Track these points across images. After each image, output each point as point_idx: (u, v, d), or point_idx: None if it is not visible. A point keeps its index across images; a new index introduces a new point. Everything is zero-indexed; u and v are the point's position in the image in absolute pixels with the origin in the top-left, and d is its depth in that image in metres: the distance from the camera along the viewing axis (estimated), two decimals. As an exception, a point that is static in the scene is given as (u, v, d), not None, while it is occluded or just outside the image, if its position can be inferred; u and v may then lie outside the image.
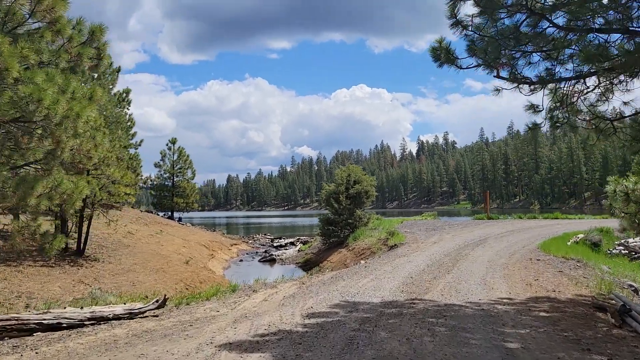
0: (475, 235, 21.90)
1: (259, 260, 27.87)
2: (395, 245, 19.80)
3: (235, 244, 33.43)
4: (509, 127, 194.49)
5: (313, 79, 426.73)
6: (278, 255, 28.22)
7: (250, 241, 37.33)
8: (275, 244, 34.92)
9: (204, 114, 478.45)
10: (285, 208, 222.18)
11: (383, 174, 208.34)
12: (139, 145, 32.28)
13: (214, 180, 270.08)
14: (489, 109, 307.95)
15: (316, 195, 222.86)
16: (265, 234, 44.27)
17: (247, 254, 31.32)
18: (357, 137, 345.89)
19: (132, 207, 35.40)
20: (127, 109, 27.22)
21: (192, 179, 42.42)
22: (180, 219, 41.38)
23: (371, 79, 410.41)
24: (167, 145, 41.91)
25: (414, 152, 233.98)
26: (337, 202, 24.19)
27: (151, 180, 41.86)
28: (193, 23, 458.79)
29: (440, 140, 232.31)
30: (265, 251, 31.74)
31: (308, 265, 24.21)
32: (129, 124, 29.58)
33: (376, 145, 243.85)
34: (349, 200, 24.29)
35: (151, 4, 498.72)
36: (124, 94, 26.07)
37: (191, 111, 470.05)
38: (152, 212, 38.25)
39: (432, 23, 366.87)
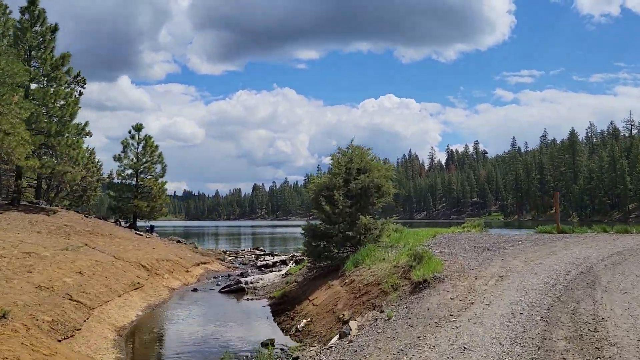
0: (564, 260, 12.43)
1: (221, 291, 18.42)
2: (425, 281, 10.29)
3: (204, 263, 24.10)
4: (542, 136, 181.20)
5: (341, 89, 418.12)
6: (251, 283, 18.73)
7: (230, 258, 28.06)
8: (259, 263, 25.47)
9: (233, 124, 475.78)
10: (311, 217, 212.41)
11: (411, 183, 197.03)
12: (84, 130, 23.41)
13: (239, 189, 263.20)
14: (520, 119, 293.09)
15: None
16: (256, 248, 34.93)
17: (214, 277, 22.07)
18: (386, 147, 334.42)
19: (83, 214, 26.45)
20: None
21: (162, 177, 32.95)
22: (151, 228, 32.24)
23: (399, 89, 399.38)
24: (129, 132, 32.54)
25: (443, 161, 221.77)
26: (331, 204, 14.53)
27: (111, 178, 32.98)
28: (222, 34, 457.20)
29: (471, 150, 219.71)
30: (241, 273, 22.30)
31: (284, 302, 14.90)
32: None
33: (404, 155, 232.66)
34: (349, 201, 14.60)
35: (181, 16, 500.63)
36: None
37: (220, 121, 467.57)
38: (103, 219, 29.08)
39: (461, 32, 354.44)
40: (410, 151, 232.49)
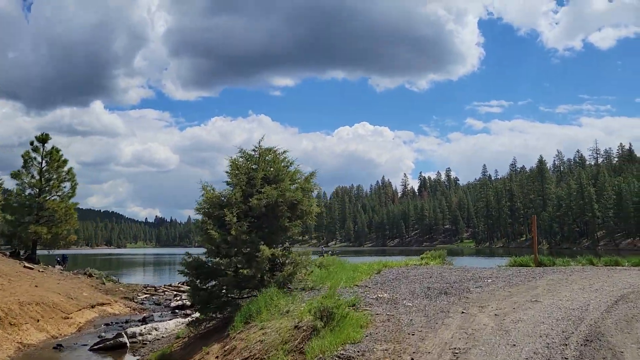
0: (554, 313, 8.61)
1: (92, 348, 13.41)
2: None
3: (102, 304, 19.19)
4: (512, 164, 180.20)
5: (316, 116, 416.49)
6: (140, 335, 13.83)
7: (145, 295, 23.06)
8: (174, 304, 20.57)
9: (208, 150, 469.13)
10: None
11: (384, 210, 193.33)
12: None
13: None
14: (490, 148, 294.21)
15: (315, 231, 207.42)
16: (184, 283, 29.81)
17: (106, 324, 17.14)
18: (360, 174, 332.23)
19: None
20: None
21: (71, 198, 27.68)
22: (63, 259, 26.88)
23: (373, 117, 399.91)
24: (31, 144, 26.73)
25: (416, 188, 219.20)
26: (222, 228, 9.87)
27: (6, 199, 27.26)
28: (198, 60, 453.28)
29: (443, 177, 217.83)
30: (143, 319, 17.31)
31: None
32: None
33: (377, 181, 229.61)
34: (246, 224, 9.98)
35: (157, 42, 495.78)
36: None
37: (195, 147, 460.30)
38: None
39: (434, 63, 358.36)
40: (383, 178, 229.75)
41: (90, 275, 24.48)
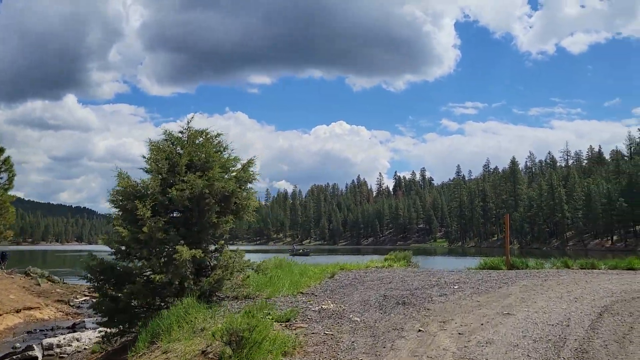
0: (530, 330, 7.22)
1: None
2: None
3: (30, 309, 17.06)
4: (485, 165, 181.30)
5: (293, 115, 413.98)
6: (57, 347, 11.95)
7: (86, 297, 20.94)
8: None
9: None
10: (257, 242, 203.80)
11: (359, 209, 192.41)
12: None
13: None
14: (465, 149, 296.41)
15: (290, 229, 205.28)
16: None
17: (28, 332, 15.08)
18: (336, 173, 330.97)
19: None
20: None
21: (9, 189, 25.33)
22: (2, 256, 24.59)
23: (350, 116, 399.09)
24: None
25: (391, 188, 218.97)
26: (134, 224, 8.03)
27: None
28: (174, 56, 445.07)
29: (418, 177, 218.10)
30: (73, 325, 15.30)
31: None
32: None
33: (353, 180, 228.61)
34: (167, 218, 8.18)
35: (132, 36, 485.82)
36: None
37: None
38: None
39: (410, 64, 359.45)
40: (359, 177, 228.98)
41: (27, 275, 22.24)
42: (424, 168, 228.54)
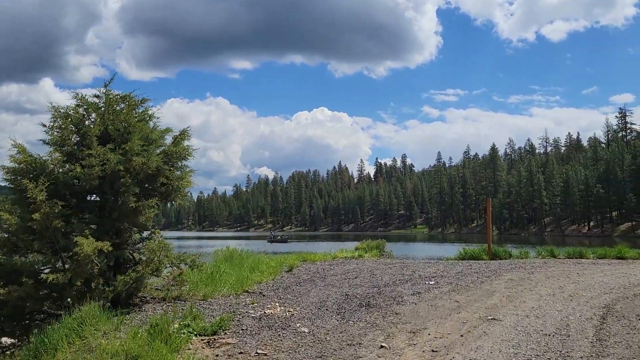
0: (523, 342, 5.25)
1: None
2: None
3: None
4: (465, 152, 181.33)
5: (275, 100, 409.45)
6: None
7: None
8: None
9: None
10: (239, 229, 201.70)
11: (340, 195, 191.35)
12: None
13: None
14: (445, 135, 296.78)
15: (271, 215, 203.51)
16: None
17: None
18: (318, 159, 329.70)
19: None
20: None
21: None
22: None
23: (332, 103, 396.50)
24: None
25: (372, 174, 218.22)
26: (25, 208, 6.27)
27: None
28: (154, 40, 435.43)
29: (399, 163, 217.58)
30: None
31: None
32: None
33: (334, 167, 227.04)
34: (72, 201, 6.43)
35: (111, 19, 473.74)
36: None
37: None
38: None
39: (392, 50, 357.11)
40: (340, 163, 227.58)
41: None
42: (405, 155, 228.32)
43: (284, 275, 9.69)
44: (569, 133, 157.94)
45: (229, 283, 7.91)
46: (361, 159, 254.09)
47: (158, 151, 7.23)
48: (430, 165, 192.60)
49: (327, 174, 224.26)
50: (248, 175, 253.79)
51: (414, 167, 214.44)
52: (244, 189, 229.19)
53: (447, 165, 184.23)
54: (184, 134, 7.48)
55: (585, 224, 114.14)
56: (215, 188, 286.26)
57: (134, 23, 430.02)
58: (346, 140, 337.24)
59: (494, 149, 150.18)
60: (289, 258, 11.52)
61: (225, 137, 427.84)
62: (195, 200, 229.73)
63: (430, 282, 9.25)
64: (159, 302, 7.15)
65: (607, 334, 5.91)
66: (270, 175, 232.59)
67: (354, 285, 8.82)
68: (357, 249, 14.20)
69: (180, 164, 7.45)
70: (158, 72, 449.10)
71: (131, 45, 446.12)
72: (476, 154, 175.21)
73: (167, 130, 7.59)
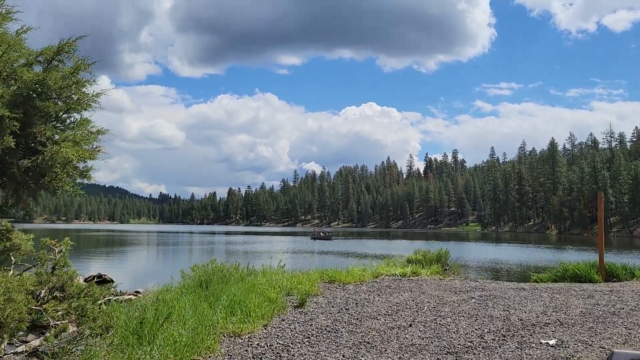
0: None
1: None
2: None
3: None
4: (521, 147, 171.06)
5: (322, 96, 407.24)
6: None
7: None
8: None
9: (213, 128, 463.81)
10: (285, 224, 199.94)
11: (388, 191, 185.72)
12: None
13: (214, 193, 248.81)
14: (499, 131, 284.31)
15: (318, 211, 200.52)
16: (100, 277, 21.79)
17: None
18: (366, 155, 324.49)
19: None
20: None
21: None
22: None
23: (381, 97, 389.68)
24: None
25: (422, 170, 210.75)
26: None
27: None
28: (204, 37, 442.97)
29: (449, 159, 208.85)
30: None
31: None
32: None
33: (382, 162, 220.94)
34: None
35: (163, 17, 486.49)
36: None
37: (200, 124, 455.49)
38: None
39: (443, 44, 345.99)
40: (388, 158, 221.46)
41: None
42: (456, 150, 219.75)
43: (287, 317, 5.82)
44: (637, 127, 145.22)
45: (176, 341, 4.10)
46: (410, 155, 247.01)
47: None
48: (483, 161, 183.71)
49: (375, 169, 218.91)
50: (295, 170, 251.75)
51: (465, 162, 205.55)
52: (292, 184, 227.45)
53: (500, 161, 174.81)
54: (69, 44, 3.68)
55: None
56: (263, 183, 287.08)
57: (186, 21, 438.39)
58: (395, 135, 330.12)
59: (553, 144, 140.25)
60: (308, 277, 7.55)
61: (274, 133, 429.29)
62: (243, 194, 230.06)
63: (550, 342, 5.05)
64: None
65: None
66: (318, 170, 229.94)
67: (408, 347, 4.75)
68: (409, 261, 10.05)
69: (62, 117, 3.70)
70: (208, 69, 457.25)
71: (183, 42, 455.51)
72: (533, 149, 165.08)
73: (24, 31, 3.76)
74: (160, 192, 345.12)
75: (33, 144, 3.61)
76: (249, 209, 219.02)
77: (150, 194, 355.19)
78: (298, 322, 5.68)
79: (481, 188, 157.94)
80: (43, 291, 4.34)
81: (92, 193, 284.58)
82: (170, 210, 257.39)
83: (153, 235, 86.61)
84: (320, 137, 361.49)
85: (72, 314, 4.21)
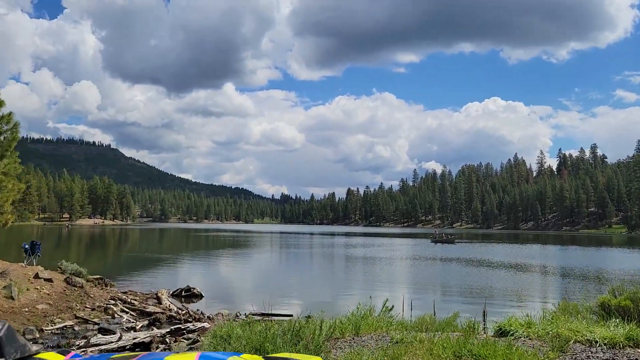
0: None
1: None
2: None
3: None
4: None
5: (442, 93, 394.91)
6: None
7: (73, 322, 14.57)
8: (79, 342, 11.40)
9: (332, 129, 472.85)
10: (405, 225, 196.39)
11: (516, 190, 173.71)
12: None
13: (333, 193, 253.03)
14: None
15: (439, 211, 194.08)
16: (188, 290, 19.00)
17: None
18: (490, 152, 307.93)
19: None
20: None
21: (3, 157, 15.25)
22: (32, 247, 19.97)
23: (505, 92, 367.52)
24: None
25: (554, 167, 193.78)
26: None
27: None
28: (322, 40, 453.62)
29: (587, 154, 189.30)
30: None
31: None
32: None
33: (509, 159, 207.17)
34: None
35: (283, 23, 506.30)
36: None
37: (319, 126, 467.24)
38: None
39: (576, 30, 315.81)
40: (515, 155, 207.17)
41: (61, 271, 17.77)
42: (594, 144, 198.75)
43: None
44: None
45: None
46: (541, 151, 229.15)
47: None
48: (627, 156, 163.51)
49: (501, 167, 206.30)
50: (415, 169, 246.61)
51: (606, 158, 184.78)
52: (411, 184, 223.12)
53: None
54: None
55: None
56: (381, 183, 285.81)
57: (304, 25, 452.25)
58: (522, 131, 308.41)
59: None
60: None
61: (392, 132, 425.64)
62: (361, 195, 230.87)
63: None
64: None
65: None
66: (438, 169, 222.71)
67: None
68: (604, 308, 7.38)
69: None
70: (326, 71, 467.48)
71: (301, 46, 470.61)
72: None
73: None
74: (282, 193, 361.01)
75: None
76: (367, 210, 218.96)
77: (273, 195, 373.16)
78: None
79: (627, 186, 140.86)
80: None
81: (220, 194, 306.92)
82: (292, 210, 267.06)
83: (276, 236, 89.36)
84: (440, 135, 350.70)
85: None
